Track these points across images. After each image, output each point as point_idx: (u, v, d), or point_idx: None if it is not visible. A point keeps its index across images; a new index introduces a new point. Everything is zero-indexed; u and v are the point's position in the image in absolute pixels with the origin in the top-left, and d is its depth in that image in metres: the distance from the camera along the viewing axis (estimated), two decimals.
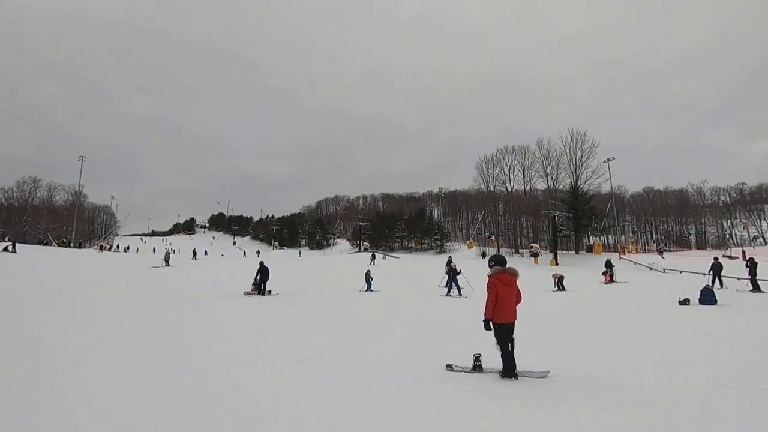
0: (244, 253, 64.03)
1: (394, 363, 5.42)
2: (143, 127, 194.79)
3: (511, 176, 59.74)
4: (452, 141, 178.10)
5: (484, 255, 45.79)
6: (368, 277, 17.92)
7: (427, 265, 35.26)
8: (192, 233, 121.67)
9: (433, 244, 64.94)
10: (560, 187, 53.14)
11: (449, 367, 5.14)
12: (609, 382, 4.56)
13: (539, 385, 4.44)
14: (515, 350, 4.76)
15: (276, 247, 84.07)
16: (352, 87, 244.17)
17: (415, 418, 3.49)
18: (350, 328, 8.49)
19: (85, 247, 53.75)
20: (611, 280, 22.12)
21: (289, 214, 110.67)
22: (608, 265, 23.45)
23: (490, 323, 4.75)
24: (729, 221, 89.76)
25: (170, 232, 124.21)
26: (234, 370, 5.03)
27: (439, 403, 3.90)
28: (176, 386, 4.33)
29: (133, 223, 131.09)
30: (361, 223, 72.46)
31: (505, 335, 4.73)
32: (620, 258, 37.51)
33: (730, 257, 32.40)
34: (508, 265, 5.04)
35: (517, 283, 4.93)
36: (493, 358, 5.02)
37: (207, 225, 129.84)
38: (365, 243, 68.06)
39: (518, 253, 52.41)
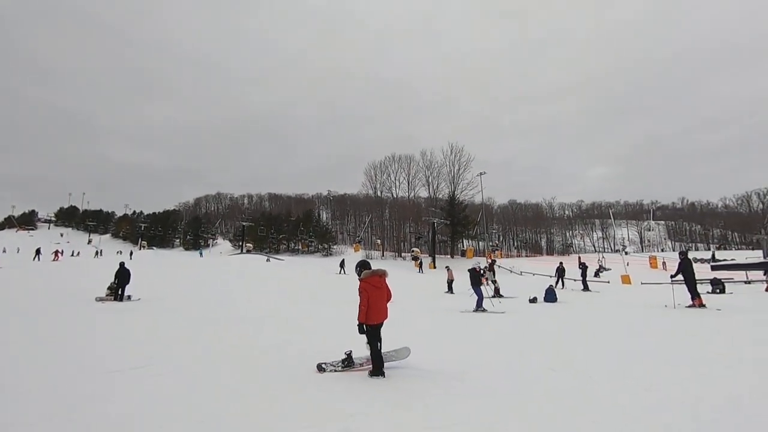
0: (97, 252, 55.23)
1: (263, 368, 5.22)
2: None
3: (397, 183, 62.89)
4: (347, 144, 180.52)
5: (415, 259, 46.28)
6: None
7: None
8: (32, 228, 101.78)
9: (320, 247, 64.59)
10: (440, 196, 57.58)
11: (320, 367, 5.16)
12: (465, 374, 5.03)
13: (403, 382, 4.71)
14: (383, 347, 5.02)
15: (144, 246, 74.91)
16: (246, 79, 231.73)
17: (275, 423, 3.43)
18: (220, 334, 7.89)
19: None
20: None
21: (162, 211, 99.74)
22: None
23: (364, 326, 4.92)
24: (570, 232, 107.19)
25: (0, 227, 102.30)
26: (77, 388, 4.34)
27: (303, 405, 3.88)
28: None
29: None
30: (244, 223, 68.74)
31: (375, 335, 4.96)
32: (487, 261, 41.91)
33: (603, 268, 37.31)
34: (378, 268, 5.30)
35: (387, 282, 5.24)
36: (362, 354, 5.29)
37: (54, 219, 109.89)
38: (248, 244, 64.78)
39: (401, 256, 55.05)
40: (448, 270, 20.35)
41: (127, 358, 5.71)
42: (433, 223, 48.95)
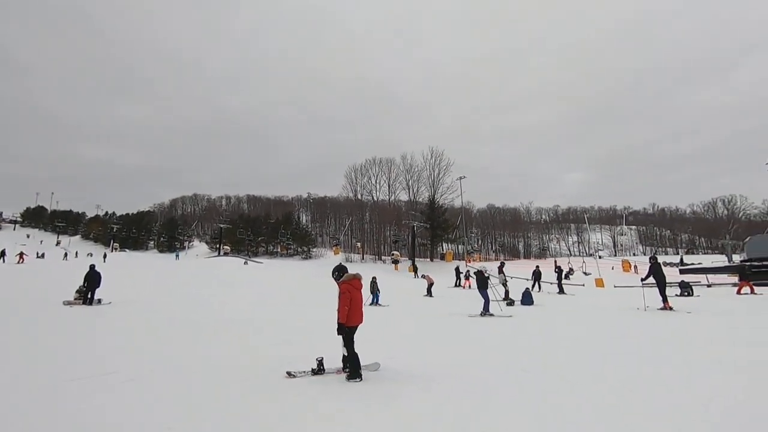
0: (66, 254, 52.96)
1: (234, 376, 5.02)
2: None
3: (378, 186, 62.84)
4: (328, 147, 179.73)
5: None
6: (375, 287, 15.08)
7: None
8: None
9: (299, 250, 63.89)
10: (420, 199, 57.86)
11: (289, 374, 5.01)
12: (442, 375, 5.00)
13: (380, 384, 4.67)
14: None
15: (116, 248, 72.50)
16: (227, 79, 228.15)
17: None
18: (190, 340, 7.61)
19: None
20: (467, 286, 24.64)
21: (135, 212, 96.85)
22: (457, 272, 26.19)
23: (344, 327, 4.93)
24: (547, 236, 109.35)
25: None
26: (38, 395, 4.12)
27: (274, 412, 3.76)
28: None
29: None
30: (222, 225, 67.40)
31: (352, 337, 4.98)
32: (466, 265, 42.34)
33: (573, 270, 38.66)
34: (355, 272, 5.45)
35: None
36: (334, 360, 5.24)
37: (20, 220, 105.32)
38: (226, 246, 63.54)
39: (381, 259, 54.99)
40: (425, 277, 20.44)
41: (91, 365, 5.44)
42: (413, 226, 49.13)
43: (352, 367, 4.88)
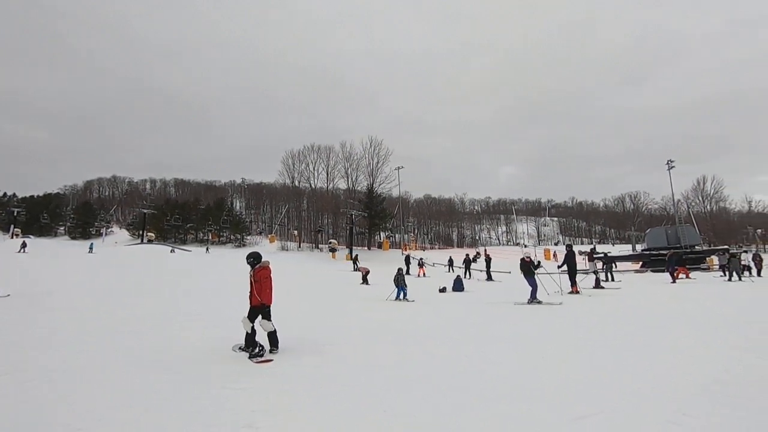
0: None
1: (164, 368, 4.82)
2: None
3: (316, 174, 61.93)
4: (266, 131, 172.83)
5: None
6: (401, 280, 13.54)
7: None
8: None
9: (232, 237, 61.44)
10: (359, 188, 58.00)
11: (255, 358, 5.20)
12: (377, 360, 5.20)
13: (316, 368, 4.81)
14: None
15: (17, 234, 64.63)
16: (159, 52, 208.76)
17: (169, 427, 3.17)
18: (99, 333, 7.00)
19: None
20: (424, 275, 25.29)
21: (42, 194, 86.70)
22: (408, 260, 26.77)
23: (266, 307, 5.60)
24: (479, 226, 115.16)
25: None
26: None
27: (204, 403, 3.67)
28: None
29: None
30: (145, 211, 62.68)
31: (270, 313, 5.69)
32: (403, 253, 43.34)
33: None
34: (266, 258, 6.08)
35: None
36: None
37: None
38: (150, 234, 59.32)
39: (318, 248, 54.56)
40: (361, 269, 20.73)
41: None
42: (351, 215, 49.25)
43: (275, 339, 5.62)
